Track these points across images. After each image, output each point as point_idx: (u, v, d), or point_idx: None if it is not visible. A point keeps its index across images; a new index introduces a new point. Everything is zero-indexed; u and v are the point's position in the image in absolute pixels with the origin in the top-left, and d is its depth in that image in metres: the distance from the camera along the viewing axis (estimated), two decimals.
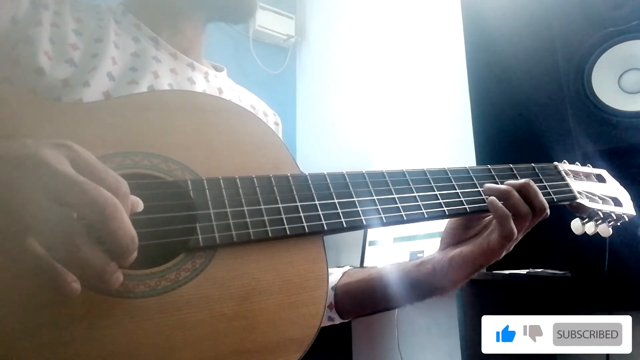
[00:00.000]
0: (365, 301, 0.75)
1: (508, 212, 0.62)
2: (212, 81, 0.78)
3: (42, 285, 0.38)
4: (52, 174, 0.37)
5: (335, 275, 0.78)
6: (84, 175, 0.39)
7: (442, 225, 0.73)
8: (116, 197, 0.39)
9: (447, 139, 2.15)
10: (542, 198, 0.65)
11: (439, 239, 0.74)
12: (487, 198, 0.65)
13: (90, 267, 0.37)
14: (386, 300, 0.73)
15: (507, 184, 0.66)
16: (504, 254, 0.65)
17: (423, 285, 0.70)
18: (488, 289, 1.55)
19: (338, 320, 0.77)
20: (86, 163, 0.40)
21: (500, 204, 0.63)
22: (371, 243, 2.04)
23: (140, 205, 0.44)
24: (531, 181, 0.66)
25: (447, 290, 0.71)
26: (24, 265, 0.37)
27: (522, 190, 0.65)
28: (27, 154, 0.38)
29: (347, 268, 0.81)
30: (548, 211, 0.66)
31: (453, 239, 0.70)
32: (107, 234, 0.38)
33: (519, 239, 0.65)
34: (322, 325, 0.77)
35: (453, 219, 0.71)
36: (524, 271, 1.57)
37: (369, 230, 2.05)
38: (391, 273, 0.73)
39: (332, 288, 0.76)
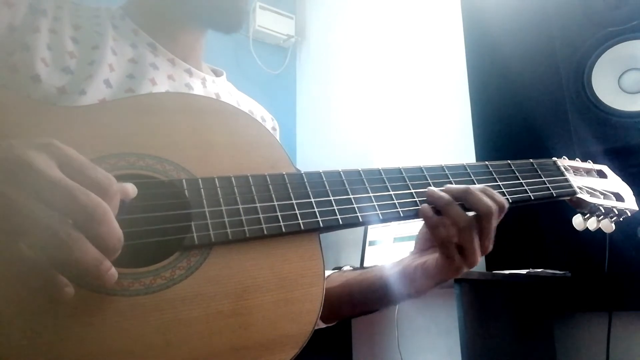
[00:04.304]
0: (341, 306, 0.74)
1: (437, 220, 0.59)
2: (209, 87, 0.78)
3: (37, 289, 0.38)
4: (39, 179, 0.37)
5: None
6: (72, 176, 0.38)
7: None
8: (105, 196, 0.39)
9: (447, 140, 2.15)
10: (486, 200, 0.59)
11: None
12: (420, 207, 0.60)
13: (85, 266, 0.37)
14: (361, 304, 0.73)
15: (446, 192, 0.61)
16: (459, 269, 0.61)
17: (391, 290, 0.69)
18: (488, 289, 1.55)
19: (323, 325, 0.76)
20: (74, 164, 0.39)
21: (431, 213, 0.59)
22: (371, 243, 2.04)
23: (134, 191, 0.44)
24: (470, 187, 0.60)
25: (413, 297, 0.68)
26: (19, 270, 0.36)
27: (462, 199, 0.60)
28: (13, 157, 0.37)
29: (340, 271, 0.80)
30: (506, 205, 0.61)
31: (424, 244, 0.69)
32: (95, 237, 0.38)
33: (489, 246, 0.61)
34: None
35: None
36: (524, 271, 1.57)
37: (369, 230, 2.05)
38: (365, 279, 0.72)
39: None
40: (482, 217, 0.59)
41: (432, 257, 0.64)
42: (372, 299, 0.72)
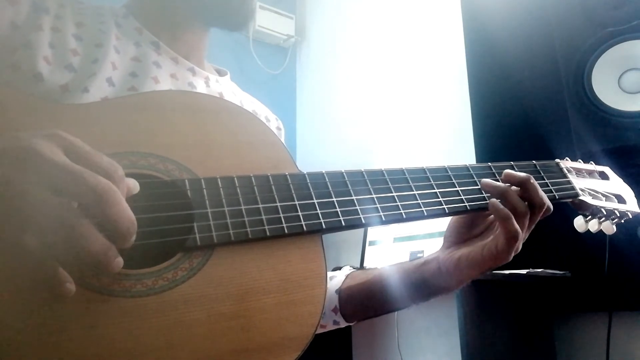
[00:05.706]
0: (370, 303, 0.75)
1: (510, 213, 0.61)
2: (212, 86, 0.78)
3: (38, 284, 0.38)
4: (47, 165, 0.37)
5: (338, 279, 0.77)
6: (78, 163, 0.38)
7: (442, 225, 0.72)
8: (112, 181, 0.39)
9: (447, 139, 2.15)
10: (543, 194, 0.64)
11: (439, 239, 0.73)
12: (488, 199, 0.64)
13: (93, 252, 0.37)
14: (391, 302, 0.72)
15: (506, 178, 0.64)
16: (512, 256, 0.64)
17: (428, 284, 0.70)
18: (488, 289, 1.55)
19: (344, 324, 0.76)
20: (79, 150, 0.40)
21: (501, 205, 0.62)
22: (371, 243, 2.03)
23: (136, 187, 0.43)
24: (532, 177, 0.64)
25: (452, 289, 0.70)
26: (21, 264, 0.36)
27: (522, 187, 0.63)
28: (20, 146, 0.37)
29: (348, 270, 0.80)
30: (551, 207, 0.65)
31: (457, 238, 0.70)
32: (107, 220, 0.38)
33: (525, 237, 0.64)
34: (329, 329, 0.76)
35: (456, 218, 0.70)
36: (524, 271, 1.56)
37: (369, 230, 2.05)
38: (395, 274, 0.72)
39: (336, 292, 0.75)
40: (535, 209, 0.63)
41: (476, 248, 0.66)
42: (406, 295, 0.71)
